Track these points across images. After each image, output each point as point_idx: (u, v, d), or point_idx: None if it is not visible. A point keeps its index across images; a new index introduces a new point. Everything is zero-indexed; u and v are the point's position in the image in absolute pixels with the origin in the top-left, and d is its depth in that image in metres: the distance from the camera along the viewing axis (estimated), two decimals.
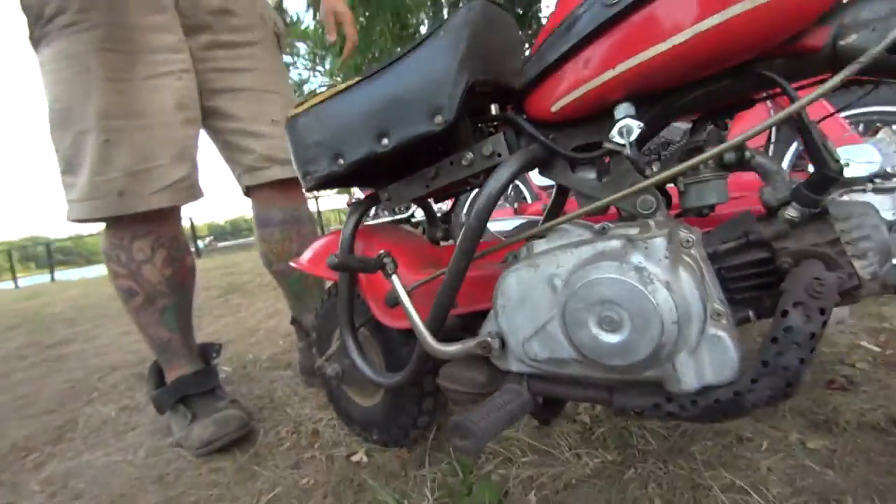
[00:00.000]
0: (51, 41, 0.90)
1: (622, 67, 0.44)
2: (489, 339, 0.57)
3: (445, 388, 0.64)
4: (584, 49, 0.46)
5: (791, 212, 0.44)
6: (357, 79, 0.64)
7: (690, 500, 0.64)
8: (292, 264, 0.92)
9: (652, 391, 0.46)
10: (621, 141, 0.46)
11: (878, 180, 1.38)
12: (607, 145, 0.48)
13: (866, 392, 0.83)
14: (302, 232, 1.17)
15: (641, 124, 0.45)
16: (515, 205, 2.44)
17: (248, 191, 1.15)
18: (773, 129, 1.50)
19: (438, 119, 0.56)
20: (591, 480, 0.71)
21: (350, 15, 1.23)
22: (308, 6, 8.71)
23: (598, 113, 0.50)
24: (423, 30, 10.31)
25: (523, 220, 2.17)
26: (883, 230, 0.42)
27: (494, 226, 2.08)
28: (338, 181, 0.73)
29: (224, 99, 1.06)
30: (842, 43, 0.40)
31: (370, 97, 0.62)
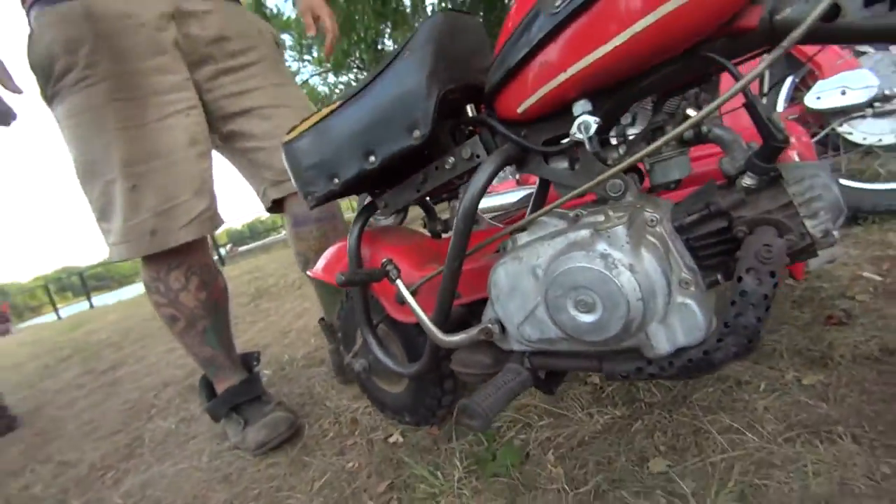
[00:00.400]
0: (63, 98, 0.95)
1: (573, 69, 0.48)
2: (490, 325, 0.63)
3: (458, 372, 0.71)
4: (538, 54, 0.50)
5: (747, 180, 0.48)
6: (338, 102, 0.69)
7: (692, 444, 0.70)
8: (309, 274, 0.99)
9: (634, 357, 0.52)
10: (581, 136, 0.50)
11: (877, 104, 1.36)
12: (570, 139, 0.53)
13: (863, 324, 0.86)
14: (338, 228, 1.22)
15: (598, 119, 0.49)
16: (517, 176, 2.46)
17: (275, 204, 1.20)
18: (766, 75, 1.47)
19: (416, 133, 0.61)
20: (602, 436, 0.78)
21: (327, 9, 1.23)
22: None
23: (560, 110, 0.54)
24: (406, 4, 10.05)
25: (527, 191, 2.20)
26: (833, 189, 0.46)
27: (499, 199, 2.12)
28: (338, 196, 0.79)
29: (238, 122, 1.12)
30: (778, 17, 0.43)
31: (352, 120, 0.67)
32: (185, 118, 1.02)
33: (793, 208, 0.46)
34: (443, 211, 1.08)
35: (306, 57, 13.01)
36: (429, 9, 10.83)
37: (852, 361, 0.78)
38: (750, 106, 0.45)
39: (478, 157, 0.64)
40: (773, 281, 0.43)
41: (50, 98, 0.98)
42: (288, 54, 13.83)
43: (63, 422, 1.88)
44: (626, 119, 0.58)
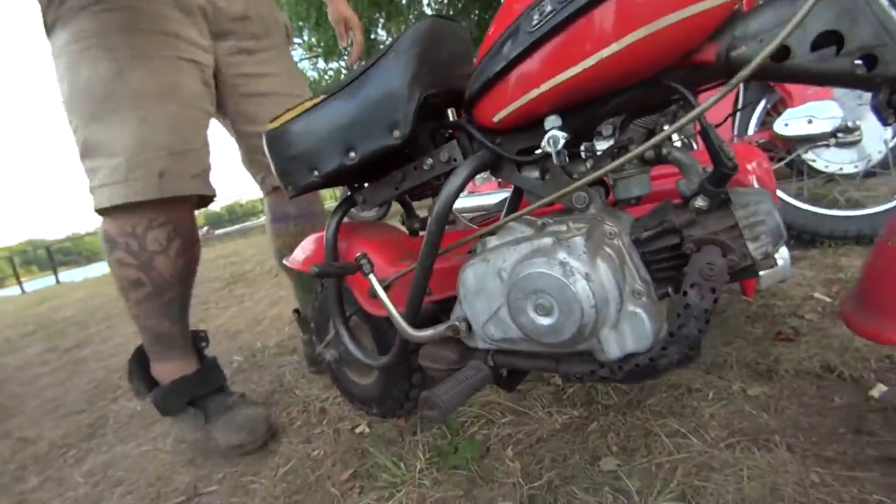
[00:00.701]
0: (68, 22, 0.87)
1: (545, 86, 0.50)
2: (457, 322, 0.65)
3: (425, 367, 0.73)
4: (514, 69, 0.53)
5: (699, 202, 0.52)
6: (322, 97, 0.71)
7: (642, 445, 0.74)
8: (286, 262, 1.00)
9: (587, 360, 0.55)
10: (550, 149, 0.53)
11: (840, 135, 1.43)
12: (541, 151, 0.55)
13: (808, 342, 0.92)
14: (315, 226, 1.22)
15: (566, 135, 0.52)
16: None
17: (275, 190, 1.19)
18: (740, 98, 1.54)
19: (396, 133, 0.63)
20: (559, 434, 0.82)
21: (359, 22, 1.29)
22: None
23: (533, 122, 0.57)
24: None
25: (507, 193, 2.25)
26: (775, 215, 0.50)
27: (480, 199, 2.15)
28: (316, 188, 0.81)
29: (252, 103, 1.09)
30: (733, 54, 0.46)
31: (335, 115, 0.68)
32: (199, 72, 0.97)
33: (738, 231, 0.49)
34: (422, 208, 1.11)
35: (296, 40, 12.87)
36: (425, 1, 10.83)
37: (795, 376, 0.84)
38: (703, 134, 0.48)
39: (455, 160, 0.67)
40: (714, 296, 0.46)
41: (52, 24, 0.90)
42: None
43: (24, 398, 1.84)
44: (595, 135, 0.62)
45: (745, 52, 0.45)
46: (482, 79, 0.57)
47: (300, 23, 10.19)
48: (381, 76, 0.63)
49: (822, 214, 1.42)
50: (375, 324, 0.91)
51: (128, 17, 0.88)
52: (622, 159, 0.50)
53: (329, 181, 0.76)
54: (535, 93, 0.51)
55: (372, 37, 11.44)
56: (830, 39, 0.42)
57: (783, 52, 0.44)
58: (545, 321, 0.51)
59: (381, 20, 10.19)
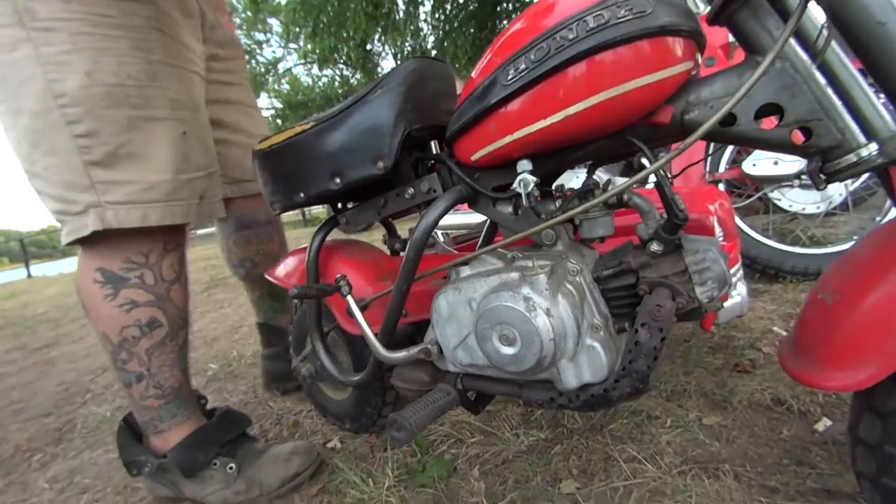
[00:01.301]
0: None
1: (517, 134, 0.55)
2: (429, 346, 0.68)
3: (398, 386, 0.76)
4: (490, 116, 0.57)
5: (655, 246, 0.56)
6: (311, 123, 0.74)
7: (601, 469, 0.78)
8: (267, 277, 1.02)
9: (548, 387, 0.59)
10: (520, 191, 0.57)
11: (804, 177, 1.52)
12: (513, 191, 0.60)
13: (762, 375, 0.97)
14: (281, 232, 1.22)
15: (536, 179, 0.57)
16: None
17: (228, 200, 1.09)
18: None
19: (381, 164, 0.67)
20: (524, 456, 0.85)
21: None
22: None
23: (507, 163, 0.61)
24: (399, 12, 10.14)
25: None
26: (721, 263, 0.54)
27: (464, 218, 2.20)
28: (301, 206, 0.83)
29: (215, 109, 1.02)
30: (686, 117, 0.51)
31: (324, 142, 0.72)
32: (200, 82, 0.91)
33: (687, 275, 0.54)
34: (404, 227, 1.14)
35: (292, 45, 12.95)
36: (422, 16, 11.01)
37: (748, 407, 0.89)
38: (658, 186, 0.53)
39: (434, 191, 0.71)
40: (661, 336, 0.50)
41: None
42: (273, 40, 13.69)
43: None
44: (566, 176, 0.66)
45: (696, 115, 0.50)
46: (462, 120, 0.61)
47: (297, 29, 10.28)
48: (369, 110, 0.67)
49: (785, 251, 1.50)
50: (352, 341, 0.94)
51: (152, 12, 0.78)
52: (586, 205, 0.54)
53: (313, 202, 0.79)
54: (508, 139, 0.56)
55: (368, 48, 11.59)
56: (772, 110, 0.48)
57: (730, 118, 0.49)
58: (508, 351, 0.55)
59: (378, 33, 10.32)
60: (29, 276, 12.01)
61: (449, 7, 10.74)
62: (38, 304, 4.55)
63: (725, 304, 0.87)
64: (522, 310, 0.52)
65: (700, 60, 0.51)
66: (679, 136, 0.54)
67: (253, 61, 13.77)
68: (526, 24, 0.54)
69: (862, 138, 0.45)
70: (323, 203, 0.85)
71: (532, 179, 0.56)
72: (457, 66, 11.32)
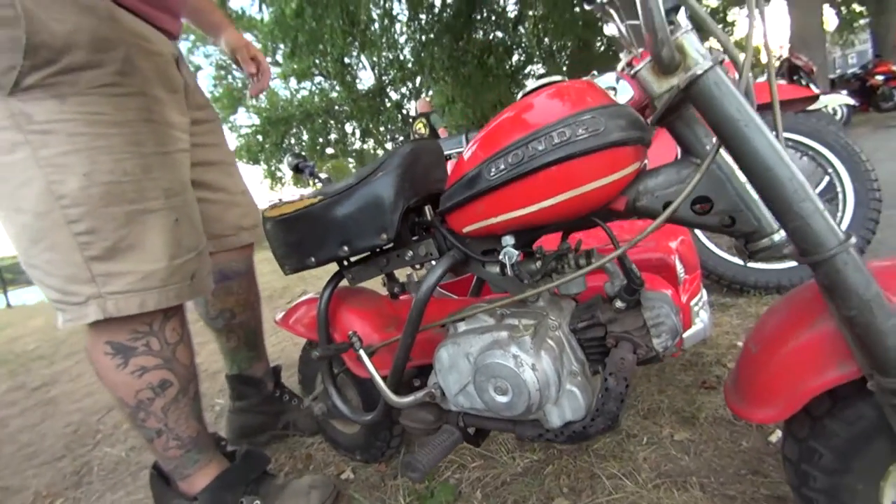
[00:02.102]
0: (66, 97, 0.75)
1: (500, 218, 0.66)
2: (433, 390, 0.79)
3: (406, 426, 0.86)
4: (475, 202, 0.67)
5: (619, 303, 0.68)
6: (320, 197, 0.84)
7: (588, 486, 0.89)
8: (278, 325, 1.11)
9: (537, 426, 0.69)
10: (504, 262, 0.68)
11: None
12: (499, 259, 0.71)
13: None
14: (255, 278, 1.26)
15: (518, 252, 0.68)
16: None
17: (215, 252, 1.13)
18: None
19: (384, 236, 0.78)
20: (521, 477, 0.96)
21: (259, 50, 1.28)
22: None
23: (494, 236, 0.72)
24: (374, 27, 10.29)
25: None
26: (673, 317, 0.66)
27: None
28: (310, 268, 0.93)
29: (197, 171, 1.04)
30: (637, 204, 0.63)
31: (333, 216, 0.82)
32: (185, 158, 0.95)
33: (646, 329, 0.65)
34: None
35: (268, 59, 12.99)
36: (397, 27, 11.19)
37: (713, 422, 1.01)
38: (620, 260, 0.64)
39: (431, 255, 0.81)
40: (626, 383, 0.62)
41: (29, 86, 0.73)
42: None
43: None
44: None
45: (645, 202, 0.62)
46: (453, 200, 0.72)
47: (274, 44, 10.36)
48: (373, 189, 0.77)
49: (748, 267, 1.64)
50: (360, 381, 1.03)
51: (144, 104, 0.83)
52: (563, 280, 0.65)
53: (322, 265, 0.89)
54: (492, 220, 0.67)
55: (346, 61, 11.73)
56: (705, 201, 0.60)
57: (666, 204, 0.61)
58: (502, 399, 0.66)
59: (355, 50, 10.43)
60: (8, 305, 11.72)
61: (424, 18, 10.97)
62: (26, 339, 4.49)
63: (689, 333, 0.99)
64: (512, 366, 0.63)
65: (646, 158, 0.63)
66: (632, 217, 0.66)
67: (230, 77, 13.76)
68: (505, 127, 0.65)
69: (775, 225, 0.56)
70: (330, 262, 0.95)
71: (515, 253, 0.67)
72: (433, 75, 11.55)
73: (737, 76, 0.50)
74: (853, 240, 0.44)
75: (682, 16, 0.53)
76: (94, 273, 0.79)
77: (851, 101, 6.06)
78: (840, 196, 1.65)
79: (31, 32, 0.72)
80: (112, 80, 0.79)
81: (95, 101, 0.77)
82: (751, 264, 1.63)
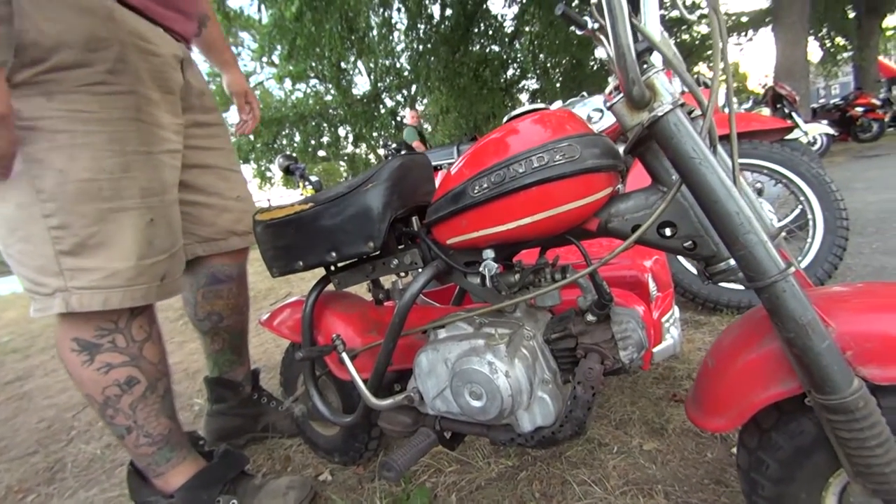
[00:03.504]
0: (54, 94, 0.77)
1: (481, 232, 0.70)
2: (412, 393, 0.82)
3: (384, 428, 0.89)
4: (460, 216, 0.71)
5: (590, 316, 0.72)
6: (311, 204, 0.87)
7: (559, 492, 0.92)
8: (262, 325, 1.13)
9: (509, 430, 0.73)
10: (484, 273, 0.72)
11: None
12: (479, 271, 0.74)
13: None
14: (246, 283, 1.27)
15: (498, 265, 0.72)
16: None
17: (192, 260, 1.14)
18: None
19: (371, 244, 0.81)
20: (495, 483, 0.99)
21: (255, 96, 1.36)
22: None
23: (476, 249, 0.76)
24: (373, 34, 10.39)
25: None
26: (640, 332, 0.70)
27: None
28: (297, 272, 0.96)
29: (192, 174, 1.08)
30: (609, 226, 0.67)
31: (323, 223, 0.85)
32: (172, 160, 0.96)
33: (613, 342, 0.70)
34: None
35: (264, 59, 13.02)
36: (395, 35, 11.32)
37: (681, 433, 1.05)
38: (592, 277, 0.69)
39: (416, 264, 0.85)
40: (593, 392, 0.66)
41: (16, 83, 0.75)
42: (246, 53, 13.73)
43: None
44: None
45: (615, 224, 0.67)
46: (439, 213, 0.75)
47: (271, 45, 10.38)
48: (362, 200, 0.81)
49: (721, 287, 1.71)
50: (341, 384, 1.06)
51: (132, 102, 0.85)
52: (540, 291, 0.69)
53: (310, 269, 0.92)
54: (474, 235, 0.71)
55: (343, 65, 11.79)
56: (669, 226, 0.64)
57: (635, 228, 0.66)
58: (476, 403, 0.69)
59: (352, 55, 10.51)
60: None
61: (422, 28, 11.11)
62: (0, 332, 4.39)
63: (659, 347, 1.04)
64: (487, 372, 0.67)
65: (620, 183, 0.68)
66: (604, 236, 0.70)
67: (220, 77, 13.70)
68: (490, 148, 0.69)
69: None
70: (317, 267, 0.98)
71: (494, 266, 0.71)
72: (429, 85, 11.68)
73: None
74: (791, 269, 0.48)
75: (655, 55, 0.59)
76: (62, 267, 0.81)
77: (831, 131, 6.30)
78: (811, 223, 1.74)
79: (22, 31, 0.74)
80: (101, 79, 0.81)
81: (82, 99, 0.79)
82: (724, 284, 1.70)
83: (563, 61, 12.36)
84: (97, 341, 0.86)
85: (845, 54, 12.50)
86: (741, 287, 1.70)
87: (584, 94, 2.11)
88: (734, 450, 0.98)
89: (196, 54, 1.19)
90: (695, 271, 1.73)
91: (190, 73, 1.04)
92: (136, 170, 0.85)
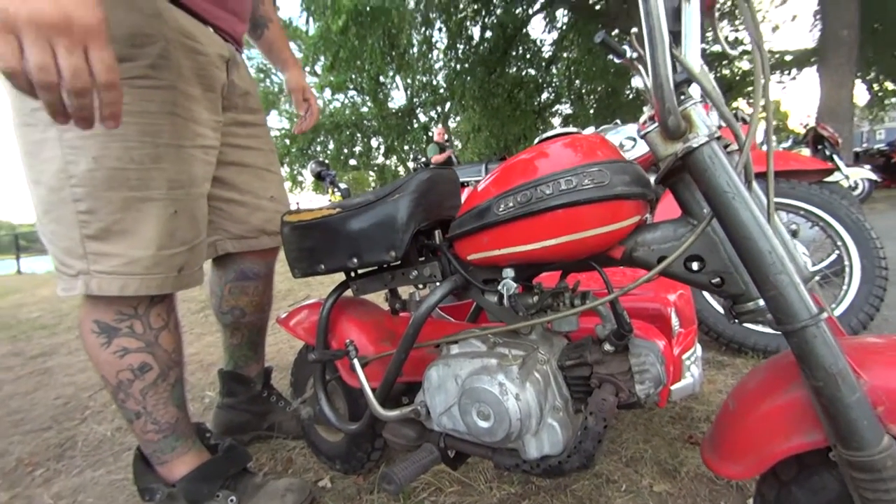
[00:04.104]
0: None
1: (503, 251, 0.69)
2: (419, 407, 0.81)
3: (388, 439, 0.88)
4: (483, 232, 0.71)
5: (608, 345, 0.70)
6: (338, 209, 0.89)
7: None
8: (279, 324, 1.15)
9: (514, 455, 0.71)
10: (503, 292, 0.71)
11: None
12: (498, 290, 0.74)
13: None
14: (272, 282, 1.30)
15: (517, 285, 0.71)
16: None
17: (222, 256, 1.17)
18: None
19: (392, 253, 0.81)
20: None
21: (313, 93, 1.37)
22: (302, 10, 9.00)
23: (496, 267, 0.75)
24: (413, 51, 10.67)
25: None
26: (658, 367, 0.68)
27: None
28: (318, 274, 0.97)
29: (229, 171, 1.10)
30: (634, 255, 0.66)
31: (347, 229, 0.86)
32: (205, 155, 0.98)
33: (630, 374, 0.68)
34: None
35: (307, 68, 13.50)
36: (434, 53, 11.58)
37: (694, 478, 1.01)
38: (612, 306, 0.67)
39: (435, 276, 0.85)
40: (605, 424, 0.64)
41: None
42: None
43: None
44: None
45: (641, 254, 0.65)
46: (463, 228, 0.76)
47: (315, 56, 10.76)
48: (388, 209, 0.82)
49: (748, 329, 1.64)
50: (349, 391, 1.06)
51: (170, 97, 0.87)
52: (556, 316, 0.68)
53: (331, 273, 0.93)
54: (496, 252, 0.70)
55: (381, 79, 12.11)
56: (698, 259, 0.63)
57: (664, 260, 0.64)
58: (483, 424, 0.68)
59: (391, 70, 10.78)
60: (19, 271, 11.97)
61: (461, 48, 11.33)
62: (31, 307, 4.58)
63: (678, 385, 1.00)
64: (497, 393, 0.65)
65: (648, 213, 0.67)
66: (628, 265, 0.69)
67: (267, 80, 14.25)
68: (519, 168, 0.69)
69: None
70: (338, 271, 0.99)
71: (513, 285, 0.71)
72: (463, 103, 11.85)
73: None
74: (824, 314, 0.46)
75: (693, 87, 0.58)
76: (86, 250, 0.84)
77: (874, 176, 6.08)
78: (847, 270, 1.67)
79: None
80: (143, 73, 0.83)
81: (123, 92, 0.82)
82: (752, 326, 1.64)
83: (599, 88, 12.39)
84: (116, 325, 0.89)
85: (894, 99, 12.12)
86: (769, 330, 1.63)
87: (618, 121, 2.10)
88: (750, 501, 0.93)
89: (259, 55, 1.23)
90: (721, 310, 1.67)
91: (235, 73, 1.07)
92: (166, 162, 0.87)
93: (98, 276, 0.85)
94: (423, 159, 5.05)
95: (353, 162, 14.91)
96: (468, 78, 11.29)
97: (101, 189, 0.82)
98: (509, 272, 0.72)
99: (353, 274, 1.00)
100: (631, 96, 11.92)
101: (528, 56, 12.10)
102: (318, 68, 12.47)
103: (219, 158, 1.05)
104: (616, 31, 8.56)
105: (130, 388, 0.91)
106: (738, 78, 11.16)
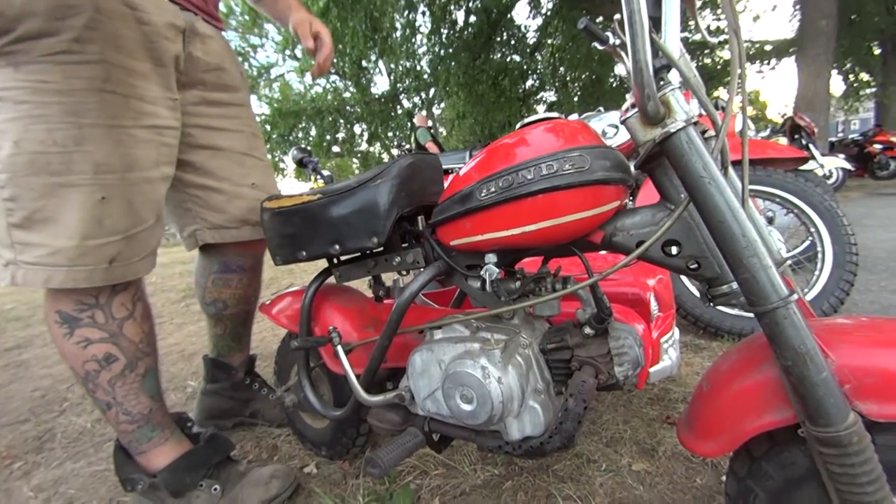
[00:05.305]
0: (20, 65, 0.76)
1: (486, 236, 0.69)
2: (403, 392, 0.82)
3: (373, 424, 0.88)
4: (465, 218, 0.71)
5: (588, 329, 0.72)
6: (319, 195, 0.88)
7: None
8: (261, 311, 1.14)
9: (497, 437, 0.72)
10: (485, 277, 0.72)
11: None
12: (480, 275, 0.74)
13: None
14: (259, 275, 1.26)
15: (499, 270, 0.71)
16: None
17: (204, 246, 1.14)
18: None
19: (375, 240, 0.81)
20: (480, 489, 0.98)
21: (324, 26, 1.20)
22: None
23: (478, 252, 0.76)
24: (396, 35, 10.48)
25: None
26: (636, 349, 0.70)
27: None
28: (300, 261, 0.96)
29: (200, 155, 1.04)
30: (613, 239, 0.67)
31: (329, 215, 0.85)
32: (158, 136, 0.91)
33: (609, 357, 0.69)
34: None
35: (287, 52, 13.15)
36: (418, 38, 11.40)
37: (671, 457, 1.04)
38: (592, 289, 0.68)
39: (418, 263, 0.85)
40: (585, 405, 0.65)
41: None
42: (270, 44, 13.89)
43: None
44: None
45: (620, 239, 0.66)
46: (445, 214, 0.75)
47: (295, 39, 10.48)
48: (370, 195, 0.81)
49: (724, 312, 1.69)
50: (334, 377, 1.06)
51: (99, 73, 0.80)
52: (537, 301, 0.69)
53: (313, 259, 0.92)
54: (478, 237, 0.71)
55: (364, 64, 11.89)
56: (674, 244, 0.64)
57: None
58: (467, 407, 0.69)
59: (374, 55, 10.59)
60: None
61: (445, 33, 11.18)
62: (3, 299, 4.44)
63: (656, 368, 1.03)
64: (479, 377, 0.66)
65: (628, 198, 0.68)
66: (608, 250, 0.70)
67: (246, 64, 13.87)
68: (500, 153, 0.69)
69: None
70: (320, 258, 0.98)
71: (496, 270, 0.71)
72: (447, 89, 11.74)
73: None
74: (794, 296, 0.48)
75: (673, 74, 0.58)
76: (13, 240, 0.80)
77: (847, 166, 6.25)
78: (820, 256, 1.72)
79: None
80: (66, 48, 0.77)
81: (45, 70, 0.77)
82: (728, 310, 1.69)
83: (583, 76, 12.39)
84: (77, 315, 0.86)
85: (868, 90, 12.42)
86: (744, 313, 1.68)
87: (601, 109, 2.11)
88: (724, 477, 0.97)
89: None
90: (698, 294, 1.72)
91: (197, 46, 0.98)
92: (93, 143, 0.80)
93: (24, 266, 0.81)
94: (408, 146, 5.00)
95: (336, 149, 14.68)
96: (452, 63, 11.17)
97: (22, 174, 0.78)
98: (492, 258, 0.72)
99: (335, 261, 1.00)
100: (615, 84, 11.96)
101: (512, 42, 12.01)
102: (297, 52, 12.18)
103: (186, 141, 1.00)
104: (600, 18, 8.54)
105: (98, 378, 0.88)
106: (718, 67, 11.28)
